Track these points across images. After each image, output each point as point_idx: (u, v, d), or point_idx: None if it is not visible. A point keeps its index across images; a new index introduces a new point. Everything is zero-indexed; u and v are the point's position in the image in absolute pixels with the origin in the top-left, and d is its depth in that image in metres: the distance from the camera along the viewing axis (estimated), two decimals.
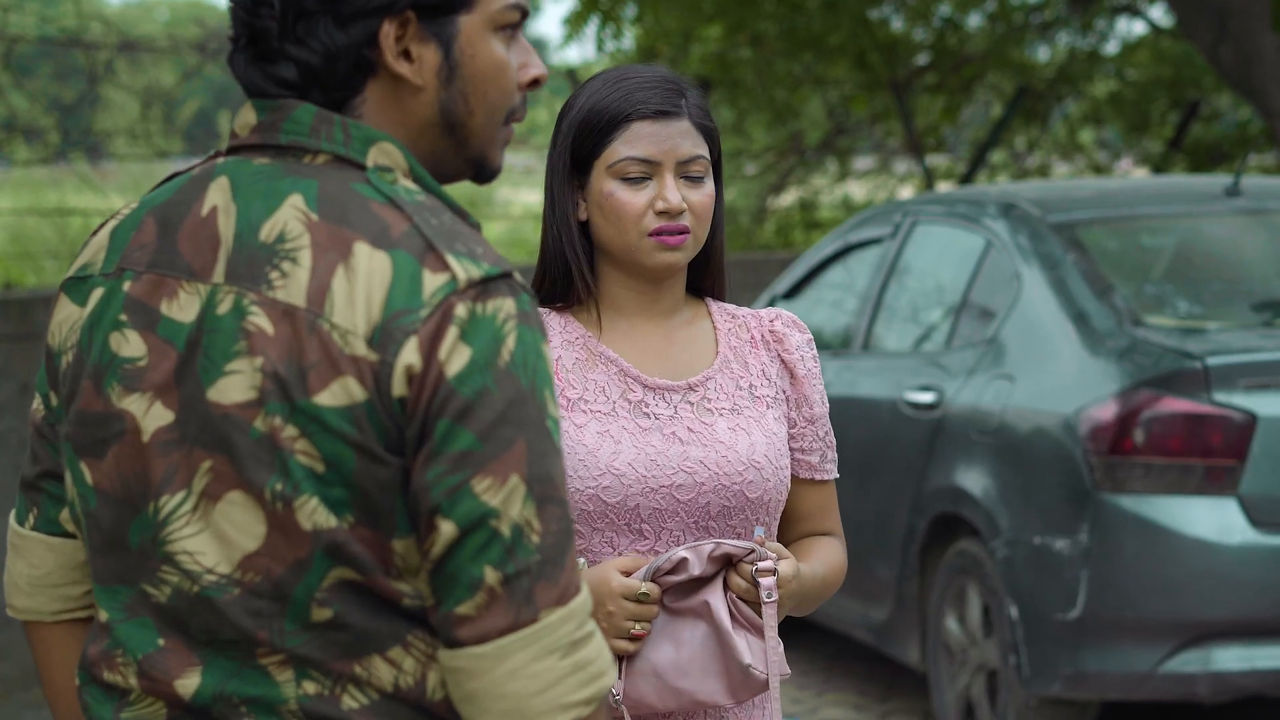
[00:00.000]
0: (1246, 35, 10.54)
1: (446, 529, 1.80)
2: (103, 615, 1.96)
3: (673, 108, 2.69)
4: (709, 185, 2.70)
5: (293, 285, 1.84)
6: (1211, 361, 5.69)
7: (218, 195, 1.91)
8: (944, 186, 14.73)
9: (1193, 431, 5.65)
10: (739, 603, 2.58)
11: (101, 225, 2.02)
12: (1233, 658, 5.68)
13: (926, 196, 8.01)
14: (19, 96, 11.25)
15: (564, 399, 2.69)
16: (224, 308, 1.87)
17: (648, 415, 2.69)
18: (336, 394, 1.81)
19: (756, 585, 2.57)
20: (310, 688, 1.87)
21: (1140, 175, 15.58)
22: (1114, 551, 5.67)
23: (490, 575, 1.80)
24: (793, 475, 2.76)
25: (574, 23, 13.46)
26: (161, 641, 1.92)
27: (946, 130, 15.73)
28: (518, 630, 1.80)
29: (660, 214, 2.67)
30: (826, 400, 2.79)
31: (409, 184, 1.92)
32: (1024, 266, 6.40)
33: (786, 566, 2.58)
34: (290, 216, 1.87)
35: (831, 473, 2.79)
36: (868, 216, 7.81)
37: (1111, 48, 17.07)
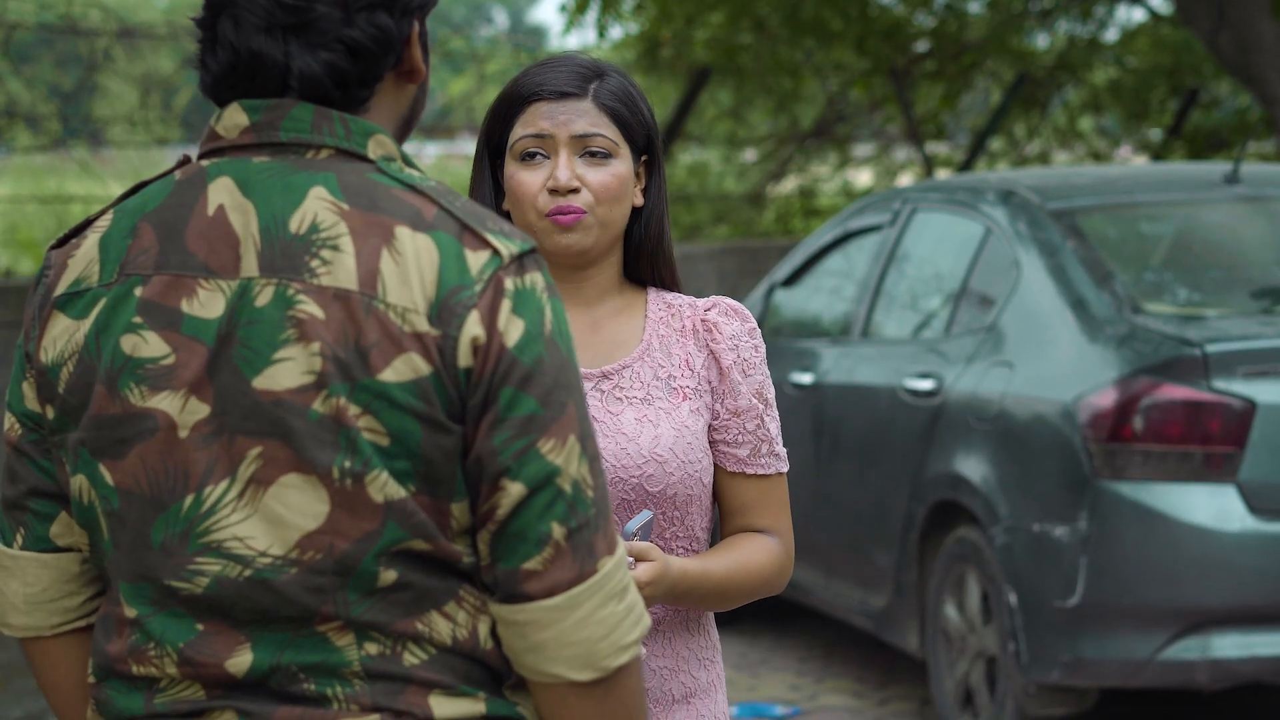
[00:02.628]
0: (1245, 23, 10.54)
1: (515, 489, 1.90)
2: (130, 611, 1.97)
3: (574, 89, 2.63)
4: (616, 166, 2.62)
5: (339, 271, 1.89)
6: (1210, 349, 5.69)
7: (222, 195, 1.94)
8: (943, 174, 14.72)
9: (1192, 418, 5.65)
10: None
11: (67, 240, 2.02)
12: (1231, 645, 5.68)
13: (926, 184, 8.01)
14: (18, 83, 11.24)
15: None
16: (263, 299, 1.90)
17: None
18: (400, 370, 1.88)
19: None
20: (372, 649, 1.93)
21: (1139, 162, 15.58)
22: (1113, 538, 5.67)
23: (557, 530, 1.90)
24: (720, 468, 2.68)
25: (574, 10, 13.43)
26: (200, 627, 1.94)
27: (946, 117, 15.72)
28: (583, 581, 1.91)
29: (552, 193, 2.60)
30: (768, 393, 2.68)
31: (413, 171, 1.97)
32: (1023, 254, 6.39)
33: (642, 572, 2.49)
34: (319, 207, 1.91)
35: (769, 467, 2.68)
36: (867, 204, 7.80)
37: (1111, 35, 17.07)
